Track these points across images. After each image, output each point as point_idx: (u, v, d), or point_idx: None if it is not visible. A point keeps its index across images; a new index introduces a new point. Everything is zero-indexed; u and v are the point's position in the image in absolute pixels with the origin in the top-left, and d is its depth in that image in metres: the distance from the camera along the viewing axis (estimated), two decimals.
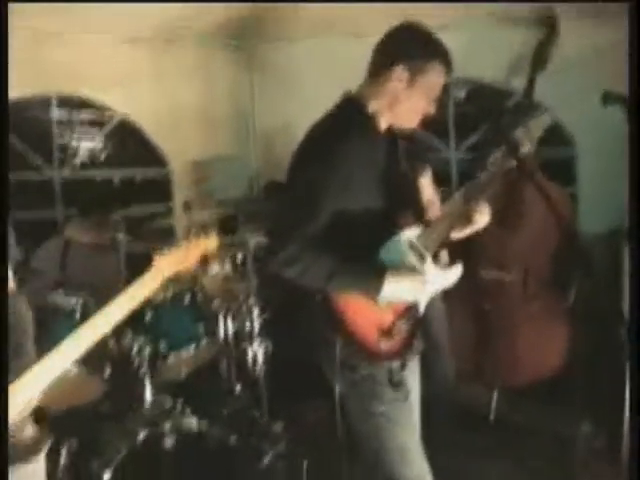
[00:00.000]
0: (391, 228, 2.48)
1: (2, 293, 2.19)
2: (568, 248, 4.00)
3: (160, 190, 5.48)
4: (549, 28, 4.35)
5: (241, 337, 3.85)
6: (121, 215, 3.94)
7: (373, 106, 2.48)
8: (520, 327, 4.09)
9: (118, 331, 3.43)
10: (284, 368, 3.88)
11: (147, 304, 3.51)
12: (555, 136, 4.81)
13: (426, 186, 4.08)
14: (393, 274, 2.37)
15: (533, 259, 4.08)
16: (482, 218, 2.57)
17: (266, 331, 3.90)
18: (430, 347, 3.99)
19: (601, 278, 4.21)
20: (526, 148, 2.46)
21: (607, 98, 3.06)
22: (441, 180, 4.53)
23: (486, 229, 3.11)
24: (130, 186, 5.47)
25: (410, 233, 2.49)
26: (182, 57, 5.28)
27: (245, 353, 3.81)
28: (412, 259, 2.46)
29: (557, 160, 4.85)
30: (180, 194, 5.34)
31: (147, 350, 3.42)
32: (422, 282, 2.43)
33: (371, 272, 2.38)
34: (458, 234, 2.63)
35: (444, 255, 4.02)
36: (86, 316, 2.46)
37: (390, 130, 2.55)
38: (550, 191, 3.99)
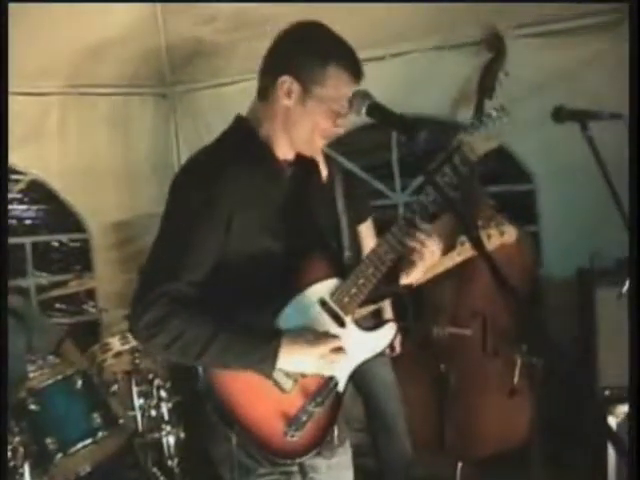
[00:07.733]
0: (295, 283, 1.93)
1: (2, 295, 2.20)
2: (530, 296, 3.50)
3: (78, 255, 4.89)
4: (495, 51, 3.97)
5: (150, 425, 3.21)
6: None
7: (265, 130, 1.96)
8: (482, 388, 3.56)
9: None
10: (198, 460, 3.23)
11: (29, 391, 2.89)
12: (511, 170, 4.32)
13: (366, 236, 3.52)
14: (291, 342, 1.82)
15: (491, 311, 3.52)
16: (428, 250, 1.92)
17: (177, 417, 3.25)
18: (380, 422, 3.45)
19: (568, 327, 3.72)
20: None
21: (559, 114, 2.60)
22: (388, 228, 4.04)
23: (435, 281, 2.62)
24: (43, 253, 4.87)
25: (321, 288, 1.93)
26: (96, 109, 4.74)
27: (155, 444, 3.16)
28: (324, 322, 1.91)
29: (515, 197, 4.33)
30: (100, 259, 4.78)
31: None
32: (336, 351, 1.86)
33: (260, 340, 1.82)
34: (404, 280, 2.02)
35: (388, 311, 3.45)
36: None
37: (297, 160, 2.02)
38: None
